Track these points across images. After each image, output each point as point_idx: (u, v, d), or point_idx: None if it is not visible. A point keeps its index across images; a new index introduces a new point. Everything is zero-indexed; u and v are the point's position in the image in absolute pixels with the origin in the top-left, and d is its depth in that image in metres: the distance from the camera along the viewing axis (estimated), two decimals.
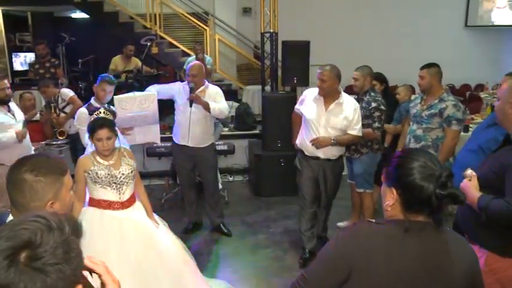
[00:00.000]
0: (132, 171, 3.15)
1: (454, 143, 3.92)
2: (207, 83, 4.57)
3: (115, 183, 3.06)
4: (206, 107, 4.35)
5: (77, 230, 0.96)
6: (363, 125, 4.11)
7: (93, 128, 3.01)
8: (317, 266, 1.53)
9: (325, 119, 3.90)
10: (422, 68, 4.04)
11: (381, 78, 4.84)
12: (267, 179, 6.00)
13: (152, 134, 4.37)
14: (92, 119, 3.15)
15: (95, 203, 3.09)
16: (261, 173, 6.05)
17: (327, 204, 4.31)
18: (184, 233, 4.77)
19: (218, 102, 4.46)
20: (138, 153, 5.46)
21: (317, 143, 3.90)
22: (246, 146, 6.81)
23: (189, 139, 4.52)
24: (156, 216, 3.36)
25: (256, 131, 6.96)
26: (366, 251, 1.43)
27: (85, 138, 4.02)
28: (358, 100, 4.32)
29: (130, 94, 4.20)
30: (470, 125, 5.72)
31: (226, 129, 6.81)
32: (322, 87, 3.87)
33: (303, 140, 4.06)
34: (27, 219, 0.92)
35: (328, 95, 3.89)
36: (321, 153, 3.98)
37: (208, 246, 4.63)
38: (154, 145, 5.63)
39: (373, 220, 1.53)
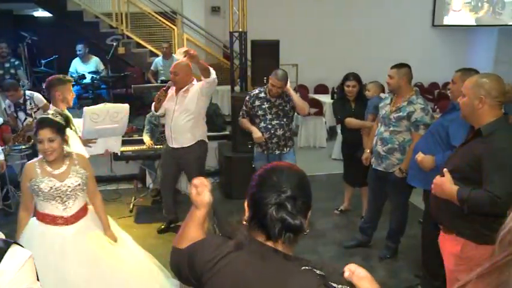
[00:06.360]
0: (79, 184, 2.82)
1: None
2: (195, 81, 4.47)
3: (59, 196, 2.76)
4: (204, 67, 4.28)
5: None
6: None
7: (35, 128, 2.73)
8: None
9: None
10: (392, 67, 3.95)
11: (357, 78, 4.82)
12: (238, 181, 5.88)
13: (113, 144, 4.19)
14: None
15: (40, 216, 2.81)
16: (232, 175, 5.93)
17: None
18: (160, 232, 4.79)
19: (204, 93, 4.42)
20: (105, 157, 5.28)
21: None
22: (215, 148, 6.70)
23: (172, 140, 4.47)
24: (121, 232, 3.17)
25: (226, 132, 6.86)
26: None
27: None
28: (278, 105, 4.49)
29: (102, 106, 3.97)
30: None
31: None
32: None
33: None
34: None
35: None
36: None
37: None
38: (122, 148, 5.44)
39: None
